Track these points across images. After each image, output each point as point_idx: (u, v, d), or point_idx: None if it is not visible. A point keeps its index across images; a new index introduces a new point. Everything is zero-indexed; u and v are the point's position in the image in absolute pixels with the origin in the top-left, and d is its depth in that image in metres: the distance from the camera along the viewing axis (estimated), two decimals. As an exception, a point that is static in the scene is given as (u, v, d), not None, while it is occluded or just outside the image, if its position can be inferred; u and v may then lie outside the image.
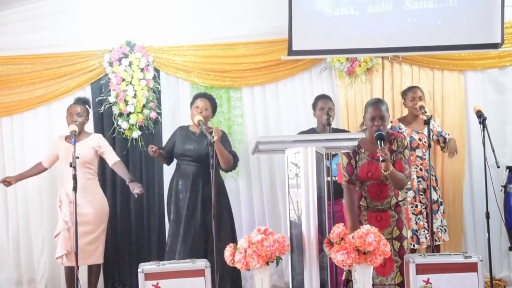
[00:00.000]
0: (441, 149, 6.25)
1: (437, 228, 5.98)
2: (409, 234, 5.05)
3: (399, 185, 4.81)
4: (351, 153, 4.92)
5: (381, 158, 4.59)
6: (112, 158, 6.15)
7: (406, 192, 5.14)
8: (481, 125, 5.47)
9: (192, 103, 6.04)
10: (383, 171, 4.67)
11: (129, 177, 6.10)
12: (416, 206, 5.96)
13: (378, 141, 4.67)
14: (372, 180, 4.88)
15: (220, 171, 6.04)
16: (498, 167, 5.43)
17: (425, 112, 5.78)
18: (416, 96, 6.13)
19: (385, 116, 4.83)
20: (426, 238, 5.92)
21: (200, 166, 5.84)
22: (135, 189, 5.98)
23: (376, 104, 4.91)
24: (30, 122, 6.89)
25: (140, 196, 6.62)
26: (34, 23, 6.81)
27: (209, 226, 5.57)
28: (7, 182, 6.14)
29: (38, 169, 6.28)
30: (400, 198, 4.94)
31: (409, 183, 5.80)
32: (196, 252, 5.64)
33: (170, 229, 5.96)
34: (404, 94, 6.26)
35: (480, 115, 5.54)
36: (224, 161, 5.83)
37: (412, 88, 6.26)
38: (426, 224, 5.94)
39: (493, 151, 5.37)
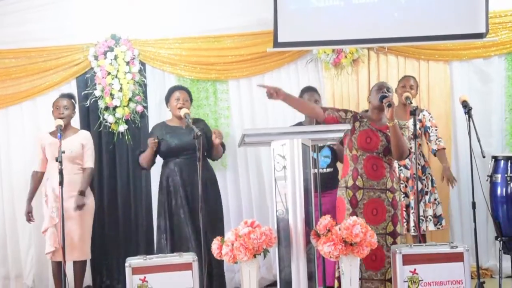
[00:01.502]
0: (428, 144, 6.26)
1: (417, 218, 5.99)
2: (398, 227, 5.05)
3: (400, 146, 4.83)
4: (353, 115, 5.00)
5: (387, 104, 4.72)
6: (89, 162, 6.08)
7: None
8: (467, 115, 5.47)
9: (169, 97, 6.03)
10: (387, 122, 4.78)
11: (84, 188, 5.96)
12: None
13: (384, 99, 4.80)
14: (369, 151, 4.91)
15: (210, 162, 6.07)
16: (484, 157, 5.44)
17: (411, 102, 5.78)
18: (407, 84, 6.14)
19: (390, 89, 5.06)
20: (403, 227, 5.95)
21: (188, 159, 5.83)
22: (76, 202, 5.88)
23: (382, 82, 5.31)
24: (15, 117, 6.85)
25: (127, 190, 6.65)
26: (18, 17, 6.76)
27: (204, 219, 5.56)
28: (31, 215, 6.14)
29: (37, 178, 6.17)
30: (395, 185, 4.95)
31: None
32: (191, 245, 5.69)
33: (165, 223, 5.91)
34: (398, 82, 6.27)
35: (465, 105, 5.55)
36: (218, 155, 6.04)
37: (405, 77, 6.28)
38: (405, 213, 5.96)
39: (479, 141, 5.38)
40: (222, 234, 5.46)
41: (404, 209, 5.99)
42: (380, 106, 4.89)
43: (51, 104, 6.11)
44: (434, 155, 6.27)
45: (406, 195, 6.02)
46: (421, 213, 6.03)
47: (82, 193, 5.93)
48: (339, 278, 4.87)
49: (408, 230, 6.01)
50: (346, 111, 5.03)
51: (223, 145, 6.08)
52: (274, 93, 4.75)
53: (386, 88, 4.99)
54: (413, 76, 6.33)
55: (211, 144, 5.92)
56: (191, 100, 6.13)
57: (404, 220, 5.97)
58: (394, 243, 4.87)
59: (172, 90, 6.08)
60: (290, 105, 5.01)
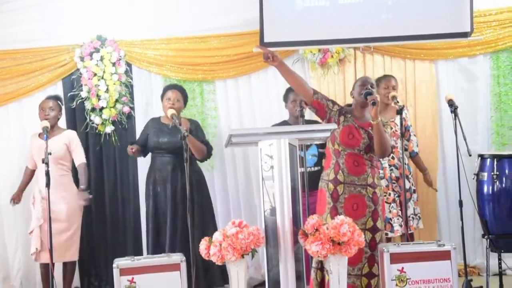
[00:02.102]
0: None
1: (409, 216, 6.01)
2: (379, 223, 5.07)
3: (383, 143, 4.83)
4: (339, 109, 5.00)
5: (372, 101, 4.72)
6: (79, 158, 6.11)
7: (380, 180, 5.18)
8: (453, 114, 5.51)
9: (163, 95, 6.05)
10: (371, 120, 4.78)
11: (85, 184, 6.05)
12: (389, 194, 5.99)
13: (368, 96, 4.80)
14: (351, 147, 4.91)
15: (197, 162, 6.09)
16: (470, 155, 5.48)
17: (398, 102, 5.79)
18: (390, 85, 6.15)
19: (373, 84, 5.03)
20: (400, 226, 5.96)
21: (175, 158, 5.85)
22: (82, 199, 6.00)
23: (365, 77, 5.27)
24: (1, 119, 6.81)
25: (114, 191, 6.64)
26: (3, 19, 6.73)
27: (191, 218, 5.57)
28: (17, 200, 6.15)
29: (28, 174, 6.24)
30: (376, 181, 4.96)
31: (381, 172, 5.86)
32: (180, 245, 5.71)
33: (151, 223, 5.93)
34: (378, 81, 6.27)
35: (451, 104, 5.58)
36: (197, 152, 5.89)
37: (386, 77, 6.28)
38: (400, 212, 5.98)
39: (465, 139, 5.42)
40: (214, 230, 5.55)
41: (399, 208, 5.99)
42: (363, 103, 4.90)
43: (37, 106, 6.11)
44: (414, 157, 6.28)
45: (398, 194, 6.03)
46: (412, 211, 6.05)
47: (83, 189, 6.01)
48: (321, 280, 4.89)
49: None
50: (334, 103, 5.02)
51: (207, 143, 6.10)
52: (270, 57, 4.74)
53: (370, 84, 4.99)
54: (393, 76, 6.34)
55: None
56: (186, 98, 6.13)
57: (402, 220, 5.97)
58: (373, 238, 4.88)
59: (165, 89, 6.10)
60: (282, 74, 4.94)
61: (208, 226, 5.95)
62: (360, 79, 5.15)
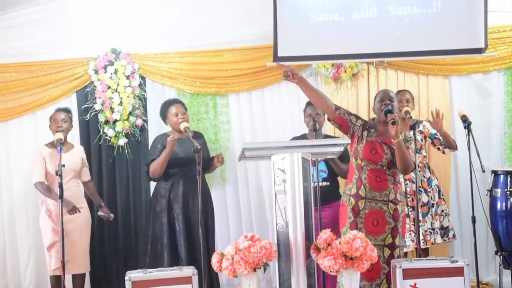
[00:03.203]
0: (439, 150, 6.22)
1: (426, 231, 5.98)
2: (397, 240, 5.05)
3: (405, 161, 4.83)
4: (363, 124, 5.00)
5: (391, 121, 4.72)
6: (89, 175, 6.25)
7: (404, 200, 5.18)
8: (466, 130, 5.51)
9: (165, 112, 6.02)
10: (392, 139, 4.78)
11: (101, 200, 6.27)
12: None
13: (388, 114, 4.81)
14: (373, 162, 4.91)
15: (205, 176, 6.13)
16: (484, 171, 5.47)
17: (411, 117, 5.79)
18: (403, 98, 6.14)
19: (392, 97, 5.04)
20: (412, 241, 5.93)
21: (189, 171, 5.82)
22: (108, 213, 6.19)
23: (384, 90, 5.23)
24: (15, 131, 6.84)
25: (127, 204, 6.66)
26: (19, 31, 6.77)
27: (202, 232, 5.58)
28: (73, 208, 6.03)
29: (45, 186, 5.97)
30: (398, 196, 4.95)
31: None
32: (184, 257, 5.72)
33: (155, 234, 5.92)
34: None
35: (465, 119, 5.58)
36: (210, 171, 6.14)
37: (401, 91, 6.28)
38: (413, 227, 5.95)
39: (478, 155, 5.41)
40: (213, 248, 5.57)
41: (412, 223, 5.96)
42: (385, 120, 4.90)
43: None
44: (453, 146, 6.15)
45: (414, 208, 6.00)
46: (429, 225, 6.01)
47: (101, 206, 6.20)
48: None
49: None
50: (357, 117, 5.03)
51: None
52: (290, 75, 4.74)
53: (388, 98, 4.99)
54: (408, 90, 6.34)
55: (209, 162, 6.02)
56: (186, 110, 6.14)
57: (414, 234, 5.93)
58: (391, 255, 4.88)
59: (166, 106, 6.07)
60: (303, 90, 4.93)
61: (208, 239, 5.96)
62: (379, 94, 5.15)
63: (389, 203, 4.93)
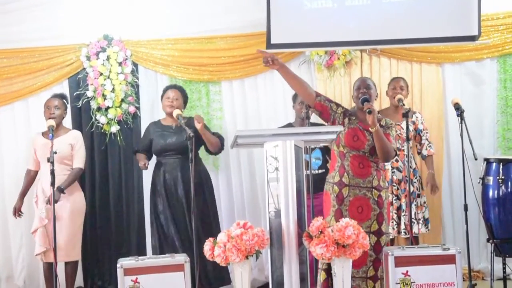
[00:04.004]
0: (416, 147, 6.25)
1: (408, 221, 5.99)
2: (383, 227, 5.07)
3: (385, 149, 4.83)
4: (343, 111, 4.99)
5: (367, 110, 4.72)
6: (78, 162, 6.02)
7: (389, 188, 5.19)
8: (459, 118, 5.50)
9: (162, 95, 6.10)
10: (370, 128, 4.77)
11: (64, 185, 5.84)
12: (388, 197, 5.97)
13: (364, 103, 4.80)
14: (356, 149, 4.91)
15: (202, 161, 6.19)
16: (476, 159, 5.47)
17: (403, 105, 5.79)
18: (397, 85, 6.15)
19: (370, 85, 5.02)
20: (393, 229, 5.95)
21: (184, 159, 5.82)
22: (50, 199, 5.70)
23: (362, 78, 5.27)
24: (7, 117, 6.83)
25: (119, 191, 6.66)
26: (10, 17, 6.74)
27: (199, 218, 5.57)
28: (19, 210, 6.10)
29: (31, 177, 6.17)
30: (381, 183, 4.94)
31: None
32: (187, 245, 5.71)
33: (159, 225, 5.92)
34: (389, 83, 6.28)
35: (458, 107, 5.57)
36: (212, 145, 6.03)
37: (395, 78, 6.29)
38: (396, 215, 5.99)
39: (471, 143, 5.40)
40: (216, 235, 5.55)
41: (395, 211, 5.99)
42: (362, 108, 4.89)
43: (43, 105, 6.09)
44: (423, 159, 6.28)
45: (398, 197, 6.03)
46: (413, 215, 6.03)
47: (59, 189, 5.75)
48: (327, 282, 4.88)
49: (399, 232, 6.03)
50: (338, 105, 5.01)
51: (219, 136, 6.17)
52: (270, 61, 4.74)
53: (365, 86, 4.98)
54: (403, 78, 6.35)
55: (201, 138, 5.95)
56: (186, 98, 6.14)
57: (395, 223, 5.98)
58: (378, 242, 4.88)
59: (165, 89, 6.17)
60: (284, 77, 4.94)
61: (211, 225, 6.00)
62: (357, 81, 5.15)
63: (373, 189, 4.92)
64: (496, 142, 6.71)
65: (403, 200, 6.00)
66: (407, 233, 5.96)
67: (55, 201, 5.46)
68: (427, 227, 6.19)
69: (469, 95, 6.65)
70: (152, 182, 6.10)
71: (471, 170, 5.50)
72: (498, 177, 5.72)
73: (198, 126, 5.77)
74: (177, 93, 6.06)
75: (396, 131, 5.97)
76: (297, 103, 5.96)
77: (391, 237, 5.96)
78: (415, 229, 6.01)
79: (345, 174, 4.93)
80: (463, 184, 5.47)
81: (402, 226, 5.99)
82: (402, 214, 6.00)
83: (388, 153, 4.88)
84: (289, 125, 6.04)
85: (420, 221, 6.09)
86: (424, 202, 6.20)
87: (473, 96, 6.70)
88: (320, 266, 4.93)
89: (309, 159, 5.32)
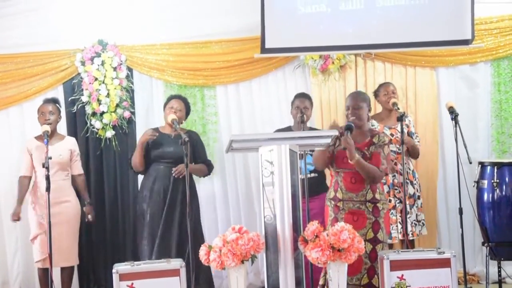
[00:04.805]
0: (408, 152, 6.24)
1: (412, 222, 6.00)
2: (380, 235, 5.06)
3: (370, 175, 4.85)
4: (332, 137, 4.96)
5: (342, 147, 4.75)
6: (79, 168, 6.14)
7: (388, 197, 5.21)
8: (453, 121, 5.53)
9: (166, 104, 6.02)
10: (349, 160, 4.77)
11: (88, 198, 6.15)
12: (390, 201, 5.98)
13: (346, 131, 4.76)
14: (347, 168, 4.91)
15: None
16: (471, 162, 5.48)
17: (398, 108, 5.81)
18: (389, 90, 6.16)
19: (359, 105, 4.98)
20: (399, 232, 5.95)
21: (174, 167, 5.81)
22: (90, 214, 6.07)
23: (353, 94, 5.17)
24: (2, 123, 6.80)
25: (114, 196, 6.66)
26: (5, 22, 6.72)
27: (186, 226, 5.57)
28: (17, 217, 6.02)
29: (25, 183, 6.04)
30: (377, 196, 4.94)
31: (384, 178, 5.86)
32: (174, 252, 5.70)
33: (146, 230, 5.90)
34: (377, 91, 6.28)
35: (452, 111, 5.59)
36: (200, 172, 6.07)
37: (384, 84, 6.29)
38: (400, 219, 5.97)
39: (465, 147, 5.42)
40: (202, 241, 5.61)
41: (399, 214, 5.97)
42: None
43: (37, 110, 6.08)
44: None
45: (401, 200, 6.01)
46: (414, 217, 6.04)
47: (90, 203, 6.12)
48: (323, 287, 4.88)
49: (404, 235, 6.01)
50: (332, 131, 4.78)
51: (209, 164, 6.13)
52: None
53: (355, 107, 4.96)
54: (391, 82, 6.35)
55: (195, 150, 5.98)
56: (189, 110, 6.11)
57: (401, 226, 5.95)
58: (374, 250, 4.87)
59: (170, 98, 6.08)
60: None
61: (197, 231, 5.96)
62: (348, 98, 5.10)
63: (367, 202, 4.93)
64: (490, 146, 6.73)
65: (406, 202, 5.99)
66: (412, 235, 5.97)
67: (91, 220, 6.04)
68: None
69: (463, 99, 6.67)
70: (142, 188, 6.02)
71: (466, 174, 5.53)
72: (492, 181, 5.73)
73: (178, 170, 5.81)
74: (181, 104, 5.97)
75: (393, 135, 5.99)
76: (293, 108, 5.97)
77: (396, 241, 5.97)
78: (416, 231, 6.02)
79: (339, 189, 4.98)
80: (458, 187, 5.50)
81: (409, 229, 5.99)
82: (408, 216, 5.99)
83: (373, 178, 4.90)
84: (288, 128, 6.05)
85: (421, 223, 6.09)
86: (421, 205, 6.20)
87: (467, 100, 6.72)
88: (322, 273, 4.92)
89: (303, 164, 5.33)
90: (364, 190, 4.92)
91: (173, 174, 5.76)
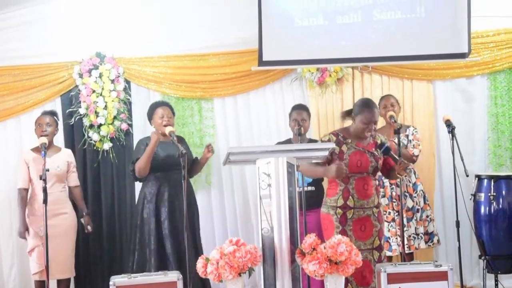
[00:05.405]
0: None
1: (410, 236, 6.00)
2: (382, 241, 5.09)
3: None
4: (336, 141, 4.98)
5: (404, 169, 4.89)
6: (76, 180, 6.16)
7: (387, 210, 5.25)
8: (450, 134, 5.54)
9: (152, 114, 5.98)
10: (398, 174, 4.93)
11: (86, 208, 6.19)
12: (389, 213, 5.98)
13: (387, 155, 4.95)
14: (360, 172, 4.94)
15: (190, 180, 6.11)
16: (467, 175, 5.50)
17: (395, 121, 5.82)
18: (388, 103, 6.17)
19: (377, 121, 5.06)
20: (398, 245, 5.95)
21: (172, 175, 5.80)
22: (89, 225, 6.14)
23: (372, 108, 4.99)
24: (-1, 135, 6.82)
25: (112, 208, 6.65)
26: (2, 34, 6.73)
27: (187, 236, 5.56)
28: (24, 234, 5.99)
29: (24, 195, 6.00)
30: (380, 200, 5.07)
31: (382, 190, 5.89)
32: (172, 262, 5.70)
33: (143, 239, 5.88)
34: (378, 104, 6.27)
35: (449, 124, 5.61)
36: (196, 171, 6.08)
37: (384, 97, 6.31)
38: (399, 231, 5.97)
39: (462, 160, 5.44)
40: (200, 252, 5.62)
41: (398, 227, 5.97)
42: (363, 134, 4.97)
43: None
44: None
45: (399, 213, 6.00)
46: (413, 230, 6.03)
47: (88, 214, 6.17)
48: None
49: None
50: (329, 143, 4.86)
51: (197, 161, 6.14)
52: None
53: (374, 122, 4.97)
54: (392, 95, 6.37)
55: (192, 165, 6.00)
56: (174, 114, 6.12)
57: (399, 239, 5.93)
58: (380, 257, 4.93)
59: (154, 107, 6.03)
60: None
61: (196, 242, 5.96)
62: (365, 113, 4.97)
63: (374, 208, 5.00)
64: (487, 159, 6.74)
65: (404, 215, 5.98)
66: (410, 248, 5.96)
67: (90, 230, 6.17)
68: (432, 241, 6.13)
69: (460, 112, 6.68)
70: (140, 197, 5.98)
71: (463, 187, 5.52)
72: (489, 194, 5.75)
73: (208, 155, 5.91)
74: (168, 110, 5.95)
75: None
76: (291, 119, 5.99)
77: (396, 253, 5.97)
78: (415, 244, 6.01)
79: (350, 197, 4.96)
80: (454, 200, 5.50)
81: (406, 242, 5.98)
82: (405, 229, 5.98)
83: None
84: (288, 141, 6.07)
85: (419, 236, 6.06)
86: (427, 216, 6.15)
87: (464, 113, 6.74)
88: None
89: (300, 176, 5.32)
90: (373, 195, 4.99)
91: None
